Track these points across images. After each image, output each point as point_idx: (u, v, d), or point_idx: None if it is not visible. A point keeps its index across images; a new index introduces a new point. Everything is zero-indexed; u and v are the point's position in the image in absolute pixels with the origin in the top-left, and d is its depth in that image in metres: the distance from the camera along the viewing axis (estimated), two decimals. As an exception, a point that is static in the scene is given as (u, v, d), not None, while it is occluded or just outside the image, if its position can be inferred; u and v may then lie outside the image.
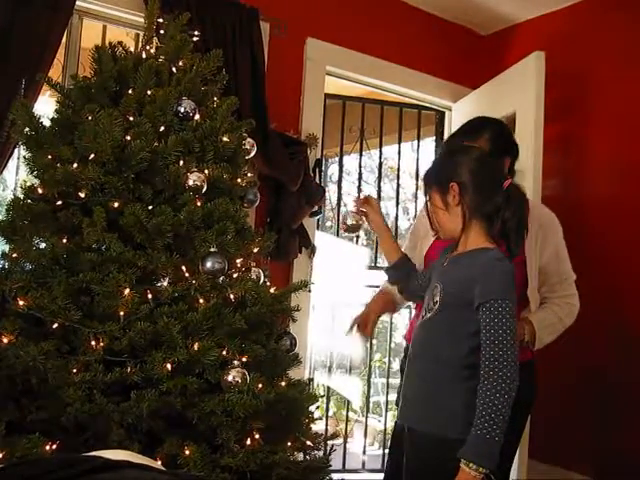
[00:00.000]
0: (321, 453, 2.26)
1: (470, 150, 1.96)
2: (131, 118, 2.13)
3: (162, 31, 2.41)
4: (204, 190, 2.12)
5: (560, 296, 2.36)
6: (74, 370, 1.82)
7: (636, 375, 3.06)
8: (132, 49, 2.38)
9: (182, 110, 2.20)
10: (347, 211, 2.14)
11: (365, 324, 2.34)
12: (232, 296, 2.07)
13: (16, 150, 2.74)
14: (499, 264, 1.79)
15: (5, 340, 1.79)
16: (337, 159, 4.52)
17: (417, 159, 4.58)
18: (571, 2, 3.91)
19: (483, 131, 2.35)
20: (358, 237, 4.99)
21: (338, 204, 4.46)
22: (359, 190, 4.67)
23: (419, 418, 1.87)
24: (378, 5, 4.00)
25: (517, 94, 3.61)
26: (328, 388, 4.67)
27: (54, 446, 1.74)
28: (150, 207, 2.04)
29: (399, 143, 4.52)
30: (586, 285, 3.67)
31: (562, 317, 2.35)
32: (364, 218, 2.16)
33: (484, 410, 1.67)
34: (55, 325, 1.87)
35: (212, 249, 2.05)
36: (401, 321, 5.24)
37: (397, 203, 4.65)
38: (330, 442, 2.43)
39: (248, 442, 1.92)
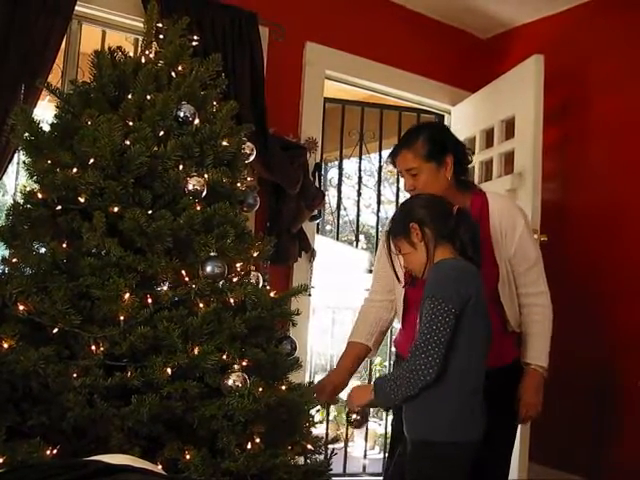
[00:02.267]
0: (322, 457, 2.26)
1: (417, 196, 2.27)
2: (130, 123, 2.13)
3: (161, 36, 2.41)
4: (204, 194, 2.12)
5: (531, 294, 2.39)
6: (74, 375, 1.82)
7: (633, 377, 3.06)
8: (131, 54, 2.38)
9: (181, 115, 2.20)
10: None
11: (320, 393, 2.37)
12: (232, 300, 2.07)
13: (16, 155, 2.75)
14: (443, 267, 2.01)
15: (5, 345, 1.79)
16: (337, 163, 4.53)
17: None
18: (569, 5, 3.92)
19: (419, 135, 2.40)
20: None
21: (338, 208, 4.47)
22: (359, 194, 4.68)
23: (406, 427, 2.03)
24: (377, 9, 4.01)
25: (516, 97, 3.62)
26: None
27: (54, 451, 1.74)
28: (150, 211, 2.05)
29: (398, 147, 4.52)
30: (585, 288, 3.69)
31: (546, 327, 2.39)
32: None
33: (393, 376, 1.97)
34: (55, 330, 1.87)
35: (212, 253, 2.05)
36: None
37: (397, 207, 4.64)
38: (331, 446, 2.42)
39: (249, 446, 1.92)
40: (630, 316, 3.48)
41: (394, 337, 2.66)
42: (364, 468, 4.23)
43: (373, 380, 2.03)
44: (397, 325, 2.59)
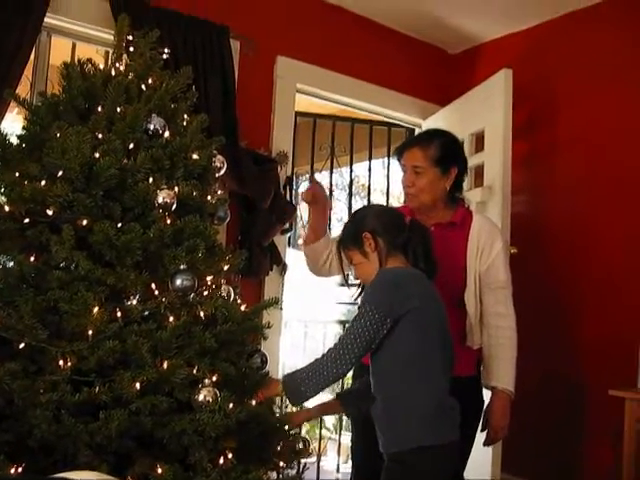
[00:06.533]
0: (294, 471, 2.24)
1: (368, 206, 2.34)
2: (100, 135, 2.11)
3: (132, 48, 2.40)
4: (174, 207, 2.10)
5: (500, 315, 2.41)
6: (41, 390, 1.78)
7: (603, 387, 3.09)
8: (101, 66, 2.36)
9: (152, 127, 2.18)
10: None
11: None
12: (202, 314, 2.05)
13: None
14: (382, 275, 2.02)
15: (-30, 361, 1.76)
16: (308, 176, 4.53)
17: (387, 176, 4.62)
18: (537, 21, 3.99)
19: (435, 139, 2.46)
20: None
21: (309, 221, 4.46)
22: (330, 208, 4.67)
23: (380, 443, 2.04)
24: (348, 23, 4.04)
25: (486, 111, 3.66)
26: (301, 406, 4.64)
27: (19, 469, 1.70)
28: (119, 225, 2.02)
29: (369, 160, 4.55)
30: (554, 299, 3.74)
31: (513, 351, 2.41)
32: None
33: (304, 369, 1.97)
34: (22, 345, 1.83)
35: (182, 266, 2.03)
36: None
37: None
38: (303, 460, 2.41)
39: (221, 461, 1.90)
40: (599, 327, 3.52)
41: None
42: (337, 482, 4.22)
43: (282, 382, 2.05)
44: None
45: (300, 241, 5.72)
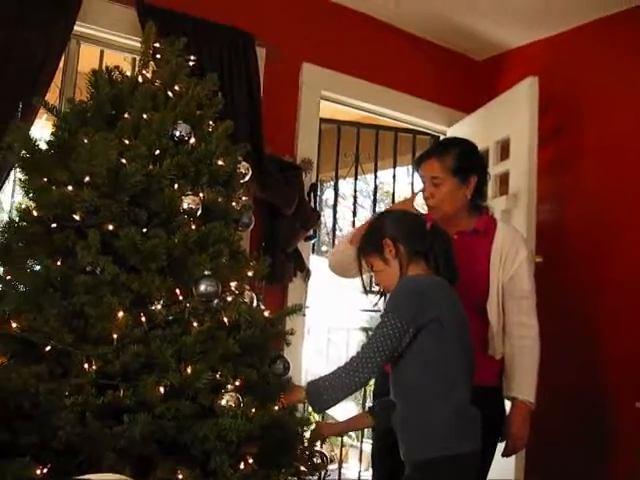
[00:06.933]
0: (315, 478, 2.24)
1: (387, 212, 2.30)
2: (127, 141, 2.14)
3: (158, 55, 2.43)
4: (199, 213, 2.12)
5: (523, 325, 2.40)
6: (66, 393, 1.81)
7: (630, 399, 3.06)
8: (129, 73, 2.39)
9: (177, 134, 2.20)
10: None
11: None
12: (226, 319, 2.07)
13: (12, 173, 2.75)
14: (404, 283, 2.01)
15: (-3, 363, 1.78)
16: (332, 183, 4.54)
17: (412, 184, 4.60)
18: (564, 28, 3.95)
19: (452, 148, 2.45)
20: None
21: (333, 228, 4.48)
22: (354, 215, 4.68)
23: (402, 451, 2.04)
24: (372, 31, 4.04)
25: (511, 119, 3.64)
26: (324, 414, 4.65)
27: (45, 470, 1.72)
28: (144, 230, 2.04)
29: (394, 167, 4.55)
30: (581, 308, 3.69)
31: (535, 361, 2.39)
32: None
33: (327, 377, 1.96)
34: (48, 348, 1.86)
35: (206, 272, 2.05)
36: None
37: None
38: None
39: (242, 466, 1.90)
40: (626, 338, 3.47)
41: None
42: (358, 489, 4.21)
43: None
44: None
45: (324, 248, 5.71)
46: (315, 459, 2.17)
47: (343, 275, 2.58)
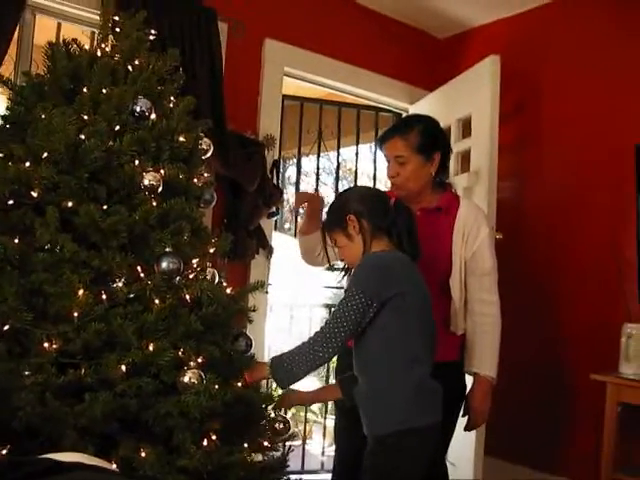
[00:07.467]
0: (279, 454, 2.25)
1: (351, 188, 2.33)
2: (85, 117, 2.10)
3: (118, 29, 2.38)
4: (160, 190, 2.09)
5: (485, 302, 2.42)
6: (26, 372, 1.78)
7: (585, 371, 3.13)
8: (87, 47, 2.34)
9: (138, 109, 2.17)
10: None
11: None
12: (188, 296, 2.05)
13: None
14: (367, 260, 2.02)
15: (-46, 343, 1.75)
16: (295, 160, 4.53)
17: (374, 161, 4.61)
18: (526, 8, 3.98)
19: (415, 126, 2.45)
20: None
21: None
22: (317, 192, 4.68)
23: (364, 424, 2.06)
24: (336, 7, 4.02)
25: (473, 97, 3.66)
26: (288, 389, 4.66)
27: (4, 451, 1.70)
28: (105, 207, 2.01)
29: (357, 145, 4.55)
30: (539, 284, 3.76)
31: (496, 338, 2.42)
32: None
33: (291, 353, 1.99)
34: (6, 327, 1.83)
35: (167, 249, 2.03)
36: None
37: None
38: (288, 443, 2.42)
39: (205, 443, 1.90)
40: (581, 312, 3.55)
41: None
42: (322, 465, 4.24)
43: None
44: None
45: (286, 225, 5.72)
46: (277, 425, 2.17)
47: (314, 263, 2.58)
